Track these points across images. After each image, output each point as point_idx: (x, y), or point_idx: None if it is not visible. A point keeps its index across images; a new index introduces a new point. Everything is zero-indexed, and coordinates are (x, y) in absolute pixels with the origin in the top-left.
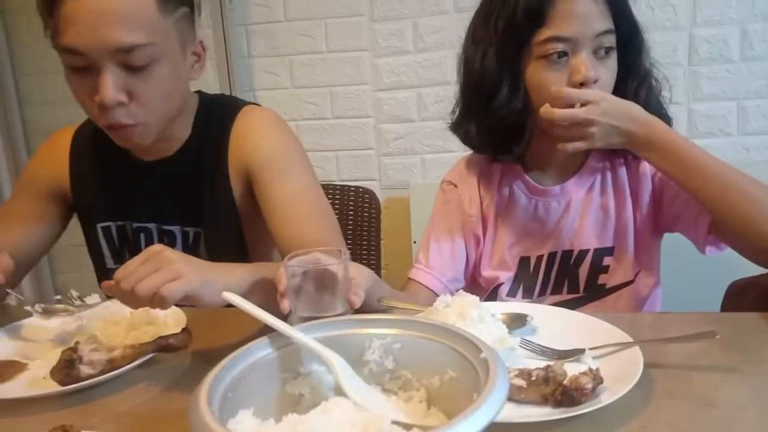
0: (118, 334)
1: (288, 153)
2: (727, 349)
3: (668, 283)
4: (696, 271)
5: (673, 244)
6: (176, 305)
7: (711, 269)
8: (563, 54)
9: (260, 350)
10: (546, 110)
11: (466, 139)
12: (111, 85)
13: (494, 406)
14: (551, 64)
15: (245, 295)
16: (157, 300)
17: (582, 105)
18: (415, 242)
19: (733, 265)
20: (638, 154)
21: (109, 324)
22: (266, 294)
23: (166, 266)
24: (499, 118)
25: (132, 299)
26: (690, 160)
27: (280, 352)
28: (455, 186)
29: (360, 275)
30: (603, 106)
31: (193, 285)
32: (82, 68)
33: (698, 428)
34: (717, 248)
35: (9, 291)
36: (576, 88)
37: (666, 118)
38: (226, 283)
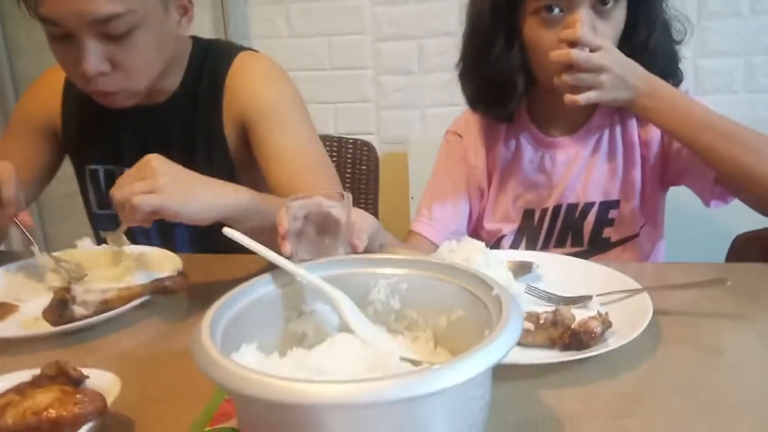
0: (113, 276)
1: (286, 102)
2: (736, 297)
3: (671, 237)
4: (699, 226)
5: (677, 199)
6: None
7: (714, 224)
8: (559, 9)
9: (262, 287)
10: (560, 53)
11: (463, 92)
12: (92, 56)
13: (509, 339)
14: (545, 21)
15: (238, 219)
16: (128, 208)
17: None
18: (412, 198)
19: (736, 221)
20: (641, 114)
21: (104, 266)
22: (262, 221)
23: (150, 177)
24: (494, 74)
25: (117, 205)
26: (692, 117)
27: (283, 289)
28: (460, 137)
29: (363, 221)
30: (613, 55)
31: (168, 203)
32: (63, 36)
33: (705, 373)
34: (723, 201)
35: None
36: (566, 46)
37: (675, 72)
38: (211, 203)
